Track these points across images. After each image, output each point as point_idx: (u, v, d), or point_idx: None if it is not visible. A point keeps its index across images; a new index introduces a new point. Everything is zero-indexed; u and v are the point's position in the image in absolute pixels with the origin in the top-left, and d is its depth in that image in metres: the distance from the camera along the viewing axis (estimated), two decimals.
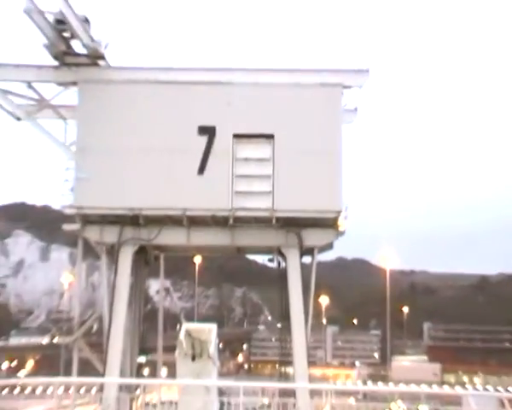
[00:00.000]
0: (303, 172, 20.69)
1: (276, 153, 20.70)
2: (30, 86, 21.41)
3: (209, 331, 17.98)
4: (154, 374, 25.94)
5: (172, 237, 21.37)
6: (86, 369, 21.43)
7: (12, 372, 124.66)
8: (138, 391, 17.68)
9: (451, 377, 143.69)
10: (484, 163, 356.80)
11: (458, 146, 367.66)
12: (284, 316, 21.74)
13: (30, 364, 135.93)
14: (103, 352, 20.71)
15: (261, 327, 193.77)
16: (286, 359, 22.42)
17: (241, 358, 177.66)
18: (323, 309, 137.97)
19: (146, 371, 31.69)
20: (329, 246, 22.26)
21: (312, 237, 21.25)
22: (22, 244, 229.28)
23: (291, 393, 18.58)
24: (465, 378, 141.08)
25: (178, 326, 19.15)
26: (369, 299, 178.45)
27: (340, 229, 21.23)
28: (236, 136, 20.69)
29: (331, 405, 17.36)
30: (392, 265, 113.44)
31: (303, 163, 20.71)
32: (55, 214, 23.53)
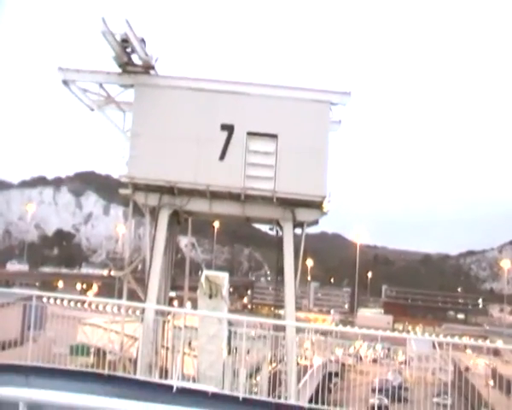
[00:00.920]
0: (298, 165, 20.56)
1: (279, 149, 20.59)
2: (101, 86, 21.52)
3: (223, 278, 17.91)
4: (181, 306, 25.96)
5: (198, 206, 21.28)
6: (132, 297, 21.47)
7: (82, 293, 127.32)
8: (169, 317, 17.61)
9: (400, 326, 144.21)
10: (450, 159, 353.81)
11: (427, 143, 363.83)
12: (279, 272, 21.68)
13: (94, 288, 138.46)
14: (145, 285, 20.68)
15: (262, 279, 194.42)
16: (279, 303, 22.41)
17: (245, 300, 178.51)
18: (309, 269, 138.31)
19: (175, 303, 31.63)
20: (315, 222, 22.13)
21: (303, 215, 21.07)
22: (91, 201, 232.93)
23: (282, 328, 18.56)
24: (410, 327, 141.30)
25: (200, 272, 18.99)
26: (344, 265, 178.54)
27: (324, 210, 21.16)
28: (249, 133, 20.56)
29: (311, 340, 17.10)
30: (362, 240, 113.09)
31: (298, 158, 20.57)
32: (115, 181, 23.36)
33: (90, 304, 24.62)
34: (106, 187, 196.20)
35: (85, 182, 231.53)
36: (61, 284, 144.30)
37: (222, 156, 20.42)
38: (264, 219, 23.07)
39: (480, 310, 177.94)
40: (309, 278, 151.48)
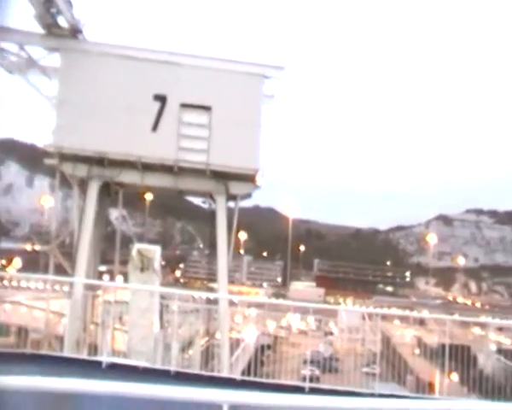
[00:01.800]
0: (231, 137, 20.56)
1: (212, 121, 20.50)
2: (21, 48, 20.34)
3: (154, 251, 17.71)
4: (111, 280, 25.55)
5: (129, 177, 20.89)
6: (59, 272, 20.90)
7: (2, 269, 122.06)
8: (99, 292, 17.26)
9: (331, 299, 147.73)
10: (384, 139, 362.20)
11: (360, 118, 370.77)
12: (212, 245, 21.73)
13: (16, 262, 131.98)
14: (73, 260, 20.21)
15: (195, 252, 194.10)
16: (212, 277, 22.47)
17: (178, 274, 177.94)
18: (242, 243, 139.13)
19: (106, 277, 31.06)
20: (248, 195, 22.26)
21: (236, 188, 21.12)
22: (12, 172, 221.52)
23: (215, 302, 18.62)
24: (341, 300, 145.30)
25: (131, 246, 18.75)
26: (276, 238, 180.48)
27: (257, 183, 21.26)
28: (183, 105, 20.33)
29: (243, 313, 17.24)
30: (294, 214, 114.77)
31: (231, 130, 20.56)
32: (39, 151, 22.48)
33: (10, 280, 23.75)
34: (29, 157, 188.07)
35: (5, 151, 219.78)
36: None
37: (154, 127, 20.08)
38: (198, 192, 23.02)
39: (407, 283, 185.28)
40: (242, 252, 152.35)
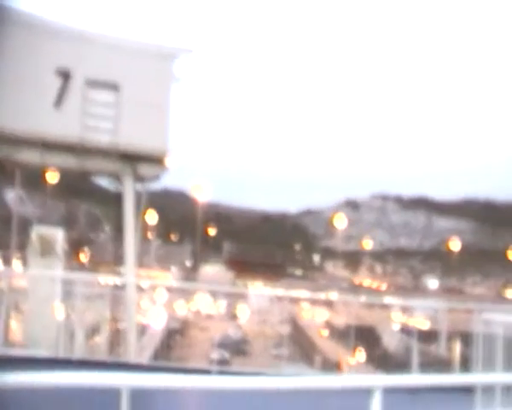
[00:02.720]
0: (139, 118, 20.19)
1: (120, 100, 20.01)
2: None
3: (56, 234, 17.12)
4: (7, 266, 24.39)
5: (28, 156, 19.89)
6: None
7: None
8: None
9: (241, 282, 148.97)
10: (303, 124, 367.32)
11: (272, 102, 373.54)
12: (119, 228, 21.27)
13: None
14: None
15: (101, 235, 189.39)
16: (119, 261, 22.09)
17: (83, 258, 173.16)
18: (150, 226, 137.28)
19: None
20: (157, 177, 22.01)
21: (144, 169, 20.80)
22: None
23: (122, 286, 18.32)
24: (250, 284, 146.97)
25: (30, 228, 18.07)
26: (186, 222, 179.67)
27: (166, 165, 21.06)
28: (88, 81, 19.65)
29: (151, 297, 17.04)
30: (204, 197, 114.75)
31: (139, 111, 20.21)
32: None
33: None
34: None
35: None
36: None
37: (57, 104, 19.30)
38: (104, 173, 22.48)
39: (316, 266, 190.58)
40: (150, 235, 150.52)
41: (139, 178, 20.94)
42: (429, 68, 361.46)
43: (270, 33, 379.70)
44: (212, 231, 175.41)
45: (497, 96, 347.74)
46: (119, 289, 17.75)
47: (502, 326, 8.05)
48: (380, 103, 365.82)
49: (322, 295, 39.35)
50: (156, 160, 20.64)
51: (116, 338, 18.26)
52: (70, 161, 20.29)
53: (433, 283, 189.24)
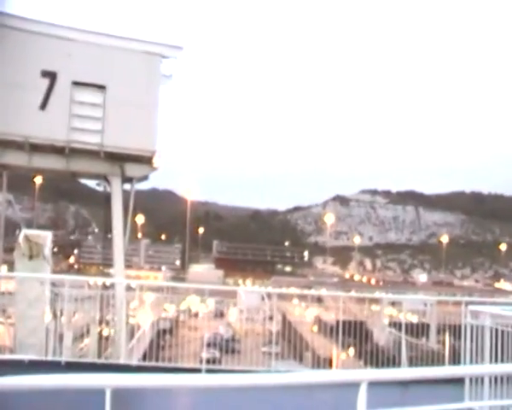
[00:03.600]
0: (127, 118, 20.00)
1: (107, 101, 19.77)
2: None
3: (44, 237, 16.98)
4: None
5: (15, 159, 19.70)
6: None
7: None
8: None
9: (231, 280, 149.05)
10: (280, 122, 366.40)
11: (258, 100, 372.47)
12: (108, 229, 21.16)
13: None
14: None
15: (90, 237, 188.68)
16: (108, 262, 22.00)
17: (72, 260, 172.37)
18: (139, 226, 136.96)
19: None
20: (145, 178, 21.84)
21: (132, 170, 20.63)
22: None
23: (111, 288, 18.20)
24: (240, 281, 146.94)
25: (18, 232, 17.93)
26: (175, 221, 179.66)
27: (154, 165, 20.91)
28: (75, 83, 19.42)
29: (140, 297, 17.01)
30: (193, 196, 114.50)
31: (127, 111, 20.00)
32: None
33: None
34: None
35: None
36: None
37: (43, 106, 19.11)
38: (91, 175, 22.27)
39: (305, 262, 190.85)
40: (139, 236, 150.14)
41: (127, 179, 20.82)
42: (419, 65, 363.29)
43: (259, 31, 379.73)
44: (201, 230, 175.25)
45: (481, 92, 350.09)
46: (108, 290, 17.66)
47: (489, 317, 8.15)
48: (368, 100, 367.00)
49: (312, 291, 39.49)
50: (144, 160, 20.53)
51: (106, 340, 18.19)
52: (57, 163, 20.11)
53: (422, 276, 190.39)
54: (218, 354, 17.07)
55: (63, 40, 19.60)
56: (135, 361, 11.85)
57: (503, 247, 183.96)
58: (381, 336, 21.97)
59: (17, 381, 3.11)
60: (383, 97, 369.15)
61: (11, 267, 17.62)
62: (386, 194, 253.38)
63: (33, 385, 3.16)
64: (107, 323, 18.91)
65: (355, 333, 14.59)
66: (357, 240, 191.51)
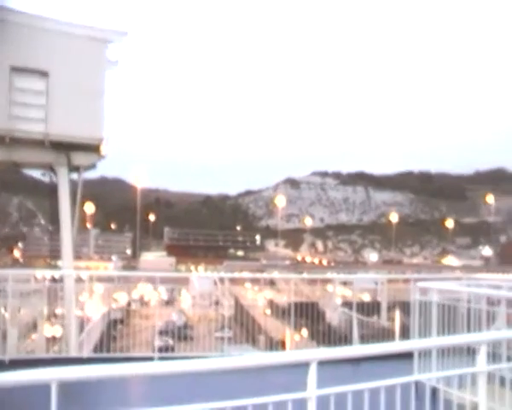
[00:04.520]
0: (72, 105, 19.57)
1: (50, 87, 19.28)
2: None
3: None
4: None
5: None
6: None
7: None
8: None
9: (183, 267, 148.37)
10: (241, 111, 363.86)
11: (209, 86, 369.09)
12: (55, 220, 20.70)
13: None
14: None
15: (36, 229, 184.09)
16: (56, 254, 21.55)
17: (17, 254, 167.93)
18: (88, 216, 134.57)
19: None
20: (93, 166, 21.47)
21: (79, 158, 20.25)
22: None
23: (60, 280, 17.83)
24: (192, 268, 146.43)
25: None
26: (125, 209, 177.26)
27: (102, 153, 20.57)
28: (14, 68, 18.83)
29: (89, 288, 16.72)
30: (143, 183, 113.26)
31: (73, 98, 19.56)
32: None
33: None
34: None
35: None
36: None
37: None
38: (36, 165, 21.75)
39: (257, 246, 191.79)
40: (88, 225, 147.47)
41: (74, 168, 20.43)
42: (363, 45, 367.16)
43: (204, 16, 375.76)
44: (152, 217, 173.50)
45: (426, 74, 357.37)
46: (56, 282, 17.30)
47: (436, 293, 8.41)
48: (316, 83, 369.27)
49: (264, 275, 39.73)
50: (91, 148, 20.15)
51: (54, 334, 17.85)
52: None
53: (372, 256, 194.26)
54: (171, 342, 17.03)
55: (1, 23, 18.93)
56: (87, 353, 11.65)
57: (450, 224, 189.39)
58: (334, 316, 22.32)
59: None
60: (330, 80, 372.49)
61: None
62: (337, 175, 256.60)
63: None
64: (56, 317, 18.57)
65: (308, 314, 14.80)
66: (308, 222, 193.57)
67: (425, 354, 7.98)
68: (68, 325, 17.23)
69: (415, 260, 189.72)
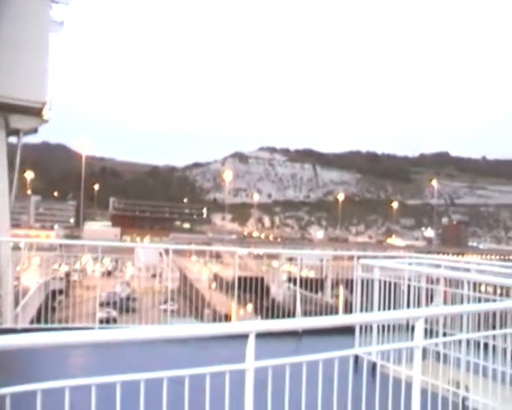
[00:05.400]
0: (14, 66, 18.86)
1: None
2: None
3: None
4: None
5: None
6: None
7: None
8: None
9: (128, 238, 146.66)
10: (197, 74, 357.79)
11: (160, 59, 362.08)
12: None
13: None
14: None
15: None
16: None
17: None
18: (28, 182, 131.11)
19: None
20: (34, 130, 20.82)
21: (18, 122, 19.61)
22: None
23: None
24: (138, 239, 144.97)
25: None
26: (68, 177, 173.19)
27: (45, 117, 19.94)
28: None
29: (28, 257, 16.30)
30: (88, 151, 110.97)
31: (14, 59, 18.81)
32: None
33: None
34: None
35: None
36: None
37: None
38: None
39: (204, 219, 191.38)
40: (29, 192, 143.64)
41: (13, 131, 19.79)
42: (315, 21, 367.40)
43: None
44: (97, 187, 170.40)
45: (375, 54, 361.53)
46: None
47: (378, 270, 8.61)
48: (268, 58, 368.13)
49: (211, 248, 39.80)
50: (33, 111, 19.55)
51: None
52: None
53: (319, 233, 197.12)
54: (114, 313, 16.88)
55: None
56: (24, 324, 11.40)
57: (395, 205, 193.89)
58: (279, 291, 22.59)
59: None
60: (281, 56, 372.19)
61: None
62: (285, 152, 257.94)
63: None
64: None
65: (253, 289, 14.91)
66: (255, 197, 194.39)
67: (366, 329, 8.18)
68: (4, 296, 16.82)
69: (360, 239, 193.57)
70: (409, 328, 5.62)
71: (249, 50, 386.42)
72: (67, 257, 16.42)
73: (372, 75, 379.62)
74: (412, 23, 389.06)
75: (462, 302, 7.64)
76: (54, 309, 17.59)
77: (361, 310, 8.57)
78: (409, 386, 4.41)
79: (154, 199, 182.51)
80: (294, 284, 14.15)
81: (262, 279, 17.37)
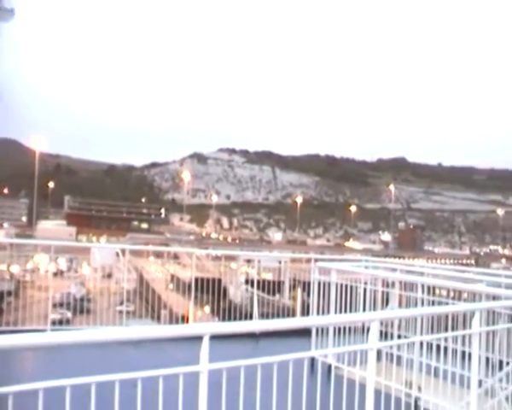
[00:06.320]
0: None
1: None
2: None
3: None
4: None
5: None
6: None
7: None
8: None
9: (84, 238, 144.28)
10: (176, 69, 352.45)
11: (124, 55, 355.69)
12: None
13: None
14: None
15: None
16: None
17: None
18: None
19: None
20: None
21: None
22: None
23: None
24: (94, 239, 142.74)
25: None
26: (20, 174, 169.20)
27: None
28: None
29: None
30: (42, 147, 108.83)
31: None
32: None
33: None
34: None
35: None
36: None
37: None
38: None
39: (162, 219, 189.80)
40: None
41: None
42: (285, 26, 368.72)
43: None
44: (51, 184, 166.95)
45: (337, 60, 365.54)
46: None
47: (335, 273, 8.72)
48: (225, 59, 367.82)
49: (168, 249, 39.50)
50: None
51: None
52: None
53: (277, 235, 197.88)
54: (68, 315, 16.59)
55: None
56: None
57: (353, 208, 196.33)
58: (237, 293, 22.59)
59: None
60: (242, 58, 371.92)
61: None
62: (244, 153, 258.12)
63: None
64: None
65: (210, 290, 14.89)
66: (214, 198, 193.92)
67: (322, 332, 8.28)
68: None
69: (318, 242, 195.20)
70: (364, 330, 5.72)
71: (210, 51, 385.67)
72: (18, 257, 16.00)
73: (331, 80, 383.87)
74: (375, 31, 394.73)
75: (416, 305, 7.80)
76: (1, 311, 17.13)
77: (318, 313, 8.67)
78: (363, 387, 4.49)
79: (110, 198, 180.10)
80: (252, 285, 14.20)
81: (220, 281, 17.35)
